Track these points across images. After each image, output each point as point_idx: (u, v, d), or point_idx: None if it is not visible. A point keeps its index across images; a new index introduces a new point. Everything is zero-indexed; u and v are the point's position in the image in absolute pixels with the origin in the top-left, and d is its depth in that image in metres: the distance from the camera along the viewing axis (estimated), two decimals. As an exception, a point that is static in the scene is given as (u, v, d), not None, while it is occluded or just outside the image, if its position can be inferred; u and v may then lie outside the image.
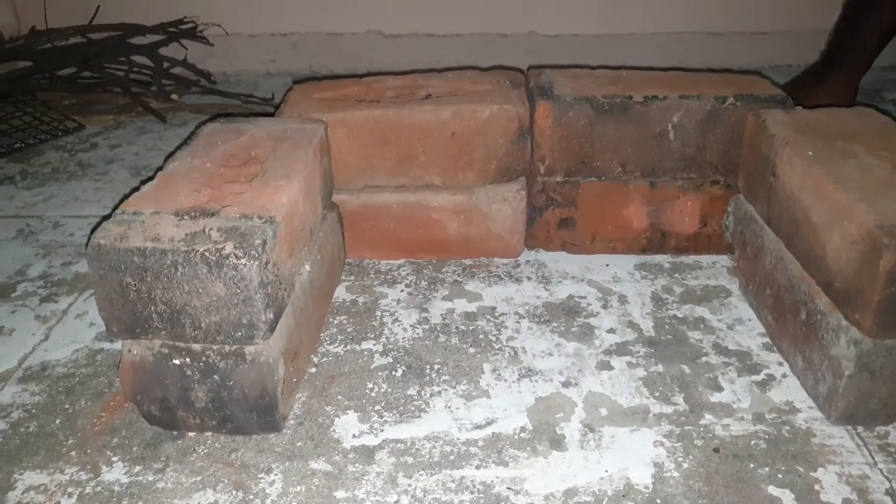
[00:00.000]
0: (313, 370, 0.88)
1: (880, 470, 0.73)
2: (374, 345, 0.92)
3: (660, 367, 0.87)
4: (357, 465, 0.75)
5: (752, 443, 0.76)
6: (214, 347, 0.74)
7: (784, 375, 0.86)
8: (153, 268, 0.69)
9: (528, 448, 0.76)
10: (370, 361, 0.89)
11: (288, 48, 1.94)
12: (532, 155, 1.03)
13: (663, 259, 1.09)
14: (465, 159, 1.01)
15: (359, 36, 1.91)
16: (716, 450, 0.76)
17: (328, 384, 0.86)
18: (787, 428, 0.78)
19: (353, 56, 1.92)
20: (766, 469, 0.73)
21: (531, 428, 0.79)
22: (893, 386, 0.75)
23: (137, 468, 0.74)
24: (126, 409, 0.82)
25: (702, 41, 1.89)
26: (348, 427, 0.79)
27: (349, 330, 0.95)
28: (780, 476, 0.72)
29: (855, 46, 1.36)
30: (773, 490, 0.71)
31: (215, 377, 0.75)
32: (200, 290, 0.70)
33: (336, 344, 0.92)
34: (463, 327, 0.95)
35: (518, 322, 0.96)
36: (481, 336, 0.93)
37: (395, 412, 0.81)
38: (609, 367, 0.88)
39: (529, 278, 1.05)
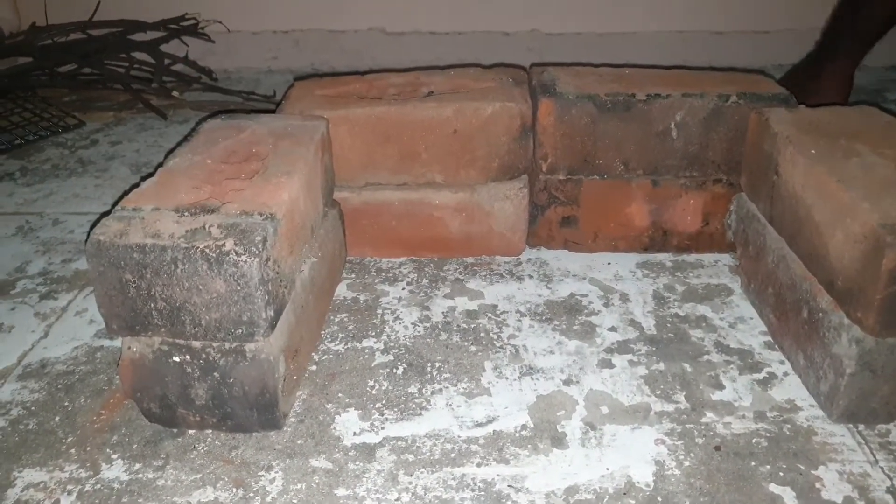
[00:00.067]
0: (314, 368, 0.88)
1: (881, 468, 0.73)
2: (375, 342, 0.92)
3: (661, 366, 0.87)
4: (358, 462, 0.74)
5: (754, 441, 0.76)
6: (215, 345, 0.74)
7: (785, 374, 0.86)
8: (153, 264, 0.69)
9: (529, 446, 0.76)
10: (371, 359, 0.89)
11: (290, 45, 1.93)
12: (534, 153, 1.03)
13: (665, 257, 1.09)
14: (467, 157, 1.01)
15: (361, 33, 1.91)
16: (717, 448, 0.75)
17: (329, 382, 0.85)
18: (789, 426, 0.78)
19: (356, 54, 1.92)
20: (768, 467, 0.73)
21: (532, 426, 0.79)
22: (895, 384, 0.75)
23: (137, 466, 0.74)
24: (126, 407, 0.82)
25: (705, 40, 1.88)
26: (349, 425, 0.79)
27: (350, 327, 0.94)
28: (781, 474, 0.72)
29: (851, 34, 1.36)
30: (774, 488, 0.71)
31: (215, 374, 0.74)
32: (200, 287, 0.70)
33: (337, 341, 0.92)
34: (464, 325, 0.95)
35: (519, 320, 0.95)
36: (482, 334, 0.93)
37: (395, 410, 0.81)
38: (610, 366, 0.87)
39: (531, 276, 1.05)
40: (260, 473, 0.73)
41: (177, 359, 0.75)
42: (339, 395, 0.83)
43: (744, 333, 0.93)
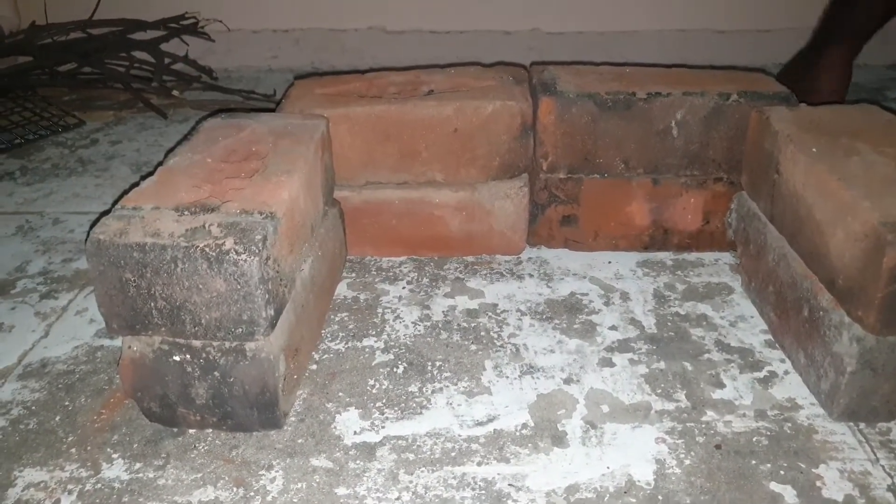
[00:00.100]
0: (314, 367, 0.87)
1: (882, 466, 0.73)
2: (376, 341, 0.92)
3: (662, 364, 0.87)
4: (358, 461, 0.74)
5: (754, 439, 0.76)
6: (215, 344, 0.74)
7: (786, 372, 0.86)
8: (153, 263, 0.69)
9: (529, 445, 0.76)
10: (371, 358, 0.89)
11: (290, 44, 1.93)
12: (535, 151, 1.03)
13: (666, 256, 1.09)
14: (467, 156, 1.01)
15: (361, 32, 1.91)
16: (718, 446, 0.75)
17: (329, 381, 0.85)
18: (789, 424, 0.78)
19: (356, 52, 1.91)
20: (768, 465, 0.73)
21: (533, 425, 0.79)
22: (895, 383, 0.75)
23: (138, 465, 0.74)
24: (126, 406, 0.82)
25: (706, 39, 1.88)
26: (349, 424, 0.79)
27: (350, 327, 0.94)
28: (781, 472, 0.72)
29: (850, 20, 1.34)
30: (774, 486, 0.71)
31: (216, 374, 0.74)
32: (200, 286, 0.70)
33: (337, 341, 0.92)
34: (464, 324, 0.95)
35: (520, 319, 0.95)
36: (483, 333, 0.93)
37: (396, 409, 0.81)
38: (611, 364, 0.87)
39: (531, 275, 1.05)
40: (260, 472, 0.73)
41: (177, 358, 0.75)
42: (340, 394, 0.83)
43: (744, 332, 0.93)
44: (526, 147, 1.01)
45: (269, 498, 0.70)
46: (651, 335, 0.92)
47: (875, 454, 0.74)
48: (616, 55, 1.82)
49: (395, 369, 0.87)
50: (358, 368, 0.87)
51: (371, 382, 0.85)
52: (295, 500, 0.70)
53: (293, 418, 0.80)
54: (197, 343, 0.74)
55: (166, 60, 1.77)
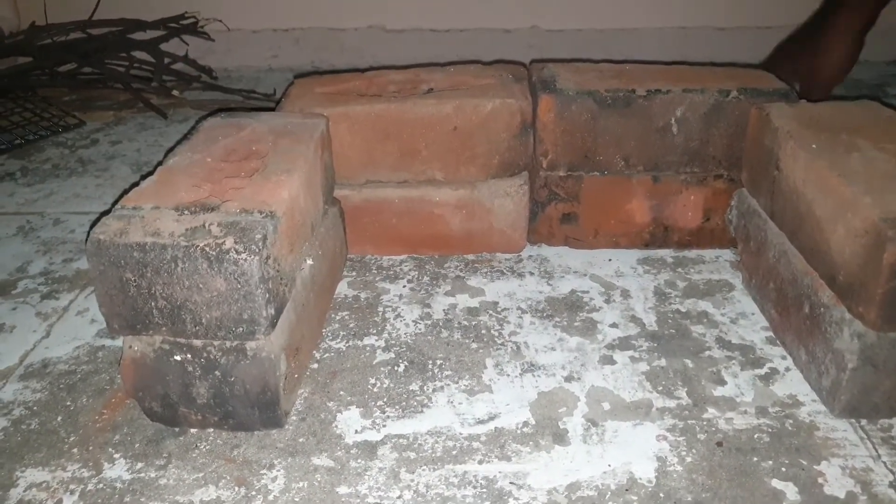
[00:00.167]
0: (315, 366, 0.87)
1: (884, 463, 0.73)
2: (377, 340, 0.92)
3: (663, 362, 0.87)
4: (359, 460, 0.74)
5: (756, 436, 0.76)
6: (215, 343, 0.74)
7: (787, 369, 0.86)
8: (153, 263, 0.69)
9: (530, 443, 0.76)
10: (372, 357, 0.89)
11: (290, 44, 1.93)
12: (535, 149, 1.03)
13: (666, 253, 1.09)
14: (467, 154, 1.01)
15: (361, 31, 1.91)
16: (719, 444, 0.75)
17: (330, 380, 0.85)
18: (791, 421, 0.78)
19: (356, 51, 1.91)
20: (770, 462, 0.73)
21: (534, 423, 0.79)
22: (898, 379, 0.75)
23: (139, 465, 0.74)
24: (127, 406, 0.82)
25: (706, 36, 1.88)
26: (350, 422, 0.79)
27: (351, 325, 0.94)
28: (783, 469, 0.72)
29: None
30: (776, 483, 0.71)
31: (216, 373, 0.74)
32: (201, 286, 0.70)
33: (338, 339, 0.92)
34: (465, 322, 0.95)
35: (520, 317, 0.95)
36: (483, 331, 0.93)
37: (397, 407, 0.81)
38: (612, 362, 0.87)
39: (532, 273, 1.04)
40: (262, 472, 0.73)
41: (178, 358, 0.75)
42: (341, 393, 0.83)
43: (745, 329, 0.93)
44: (526, 145, 1.01)
45: (270, 497, 0.70)
46: (652, 332, 0.92)
47: (877, 451, 0.74)
48: (616, 53, 1.82)
49: (395, 368, 0.87)
50: (359, 367, 0.87)
51: (372, 381, 0.85)
52: (296, 500, 0.70)
53: (294, 417, 0.80)
54: (198, 342, 0.74)
55: (166, 60, 1.77)
